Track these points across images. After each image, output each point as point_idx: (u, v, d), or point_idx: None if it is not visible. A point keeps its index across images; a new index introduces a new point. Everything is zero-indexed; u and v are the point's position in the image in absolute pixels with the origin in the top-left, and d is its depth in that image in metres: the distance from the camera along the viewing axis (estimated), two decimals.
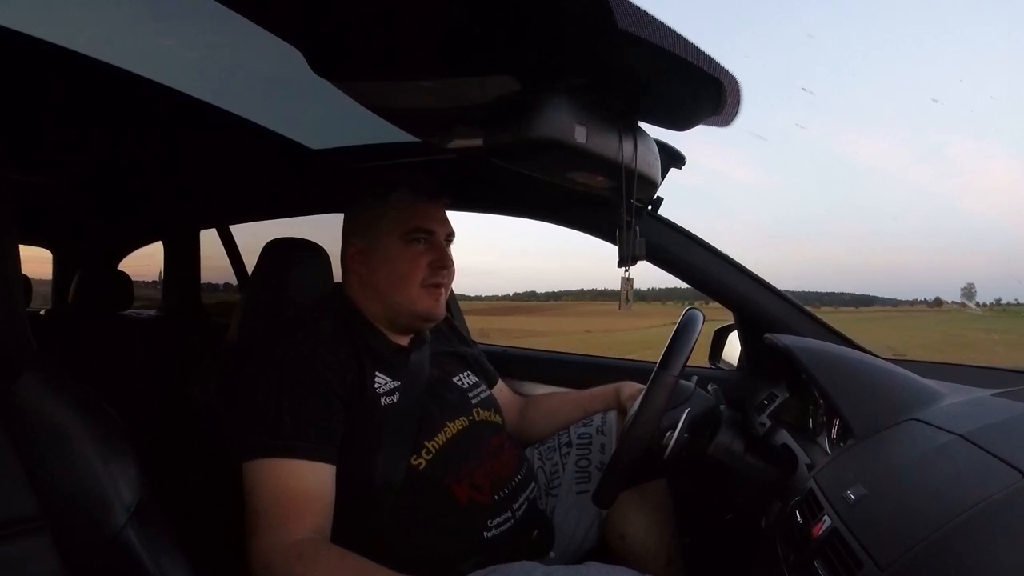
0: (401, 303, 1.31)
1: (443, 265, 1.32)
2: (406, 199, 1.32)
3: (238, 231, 2.79)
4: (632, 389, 1.51)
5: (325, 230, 1.84)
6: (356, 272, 1.34)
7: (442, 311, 1.35)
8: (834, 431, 1.22)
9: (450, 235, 1.36)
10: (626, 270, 1.22)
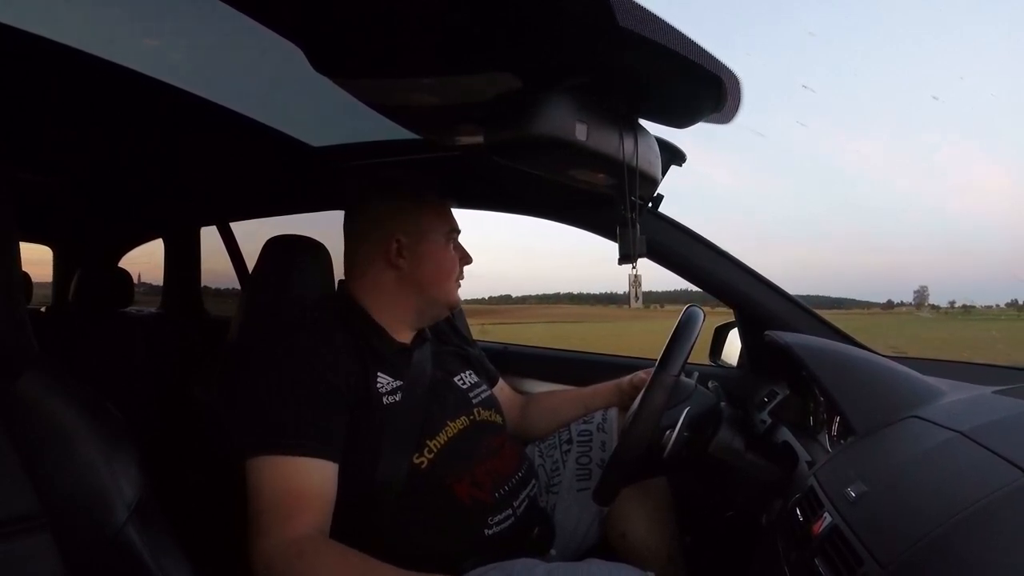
0: (439, 296, 1.38)
1: (468, 262, 1.43)
2: (436, 199, 1.40)
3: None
4: (636, 378, 1.52)
5: (323, 228, 1.85)
6: (396, 267, 1.34)
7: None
8: (835, 428, 1.22)
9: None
10: (633, 268, 1.22)
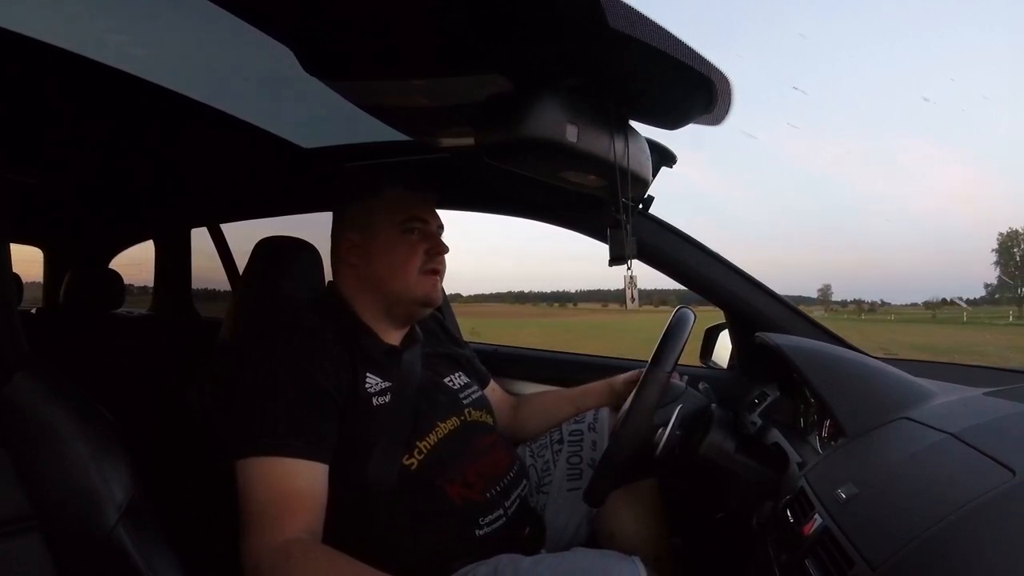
0: (400, 291, 1.32)
1: (438, 251, 1.35)
2: (400, 192, 1.35)
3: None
4: (629, 378, 1.53)
5: (313, 229, 1.84)
6: (353, 266, 1.35)
7: (439, 296, 1.38)
8: (825, 430, 1.22)
9: (440, 226, 1.40)
10: (628, 268, 1.22)
